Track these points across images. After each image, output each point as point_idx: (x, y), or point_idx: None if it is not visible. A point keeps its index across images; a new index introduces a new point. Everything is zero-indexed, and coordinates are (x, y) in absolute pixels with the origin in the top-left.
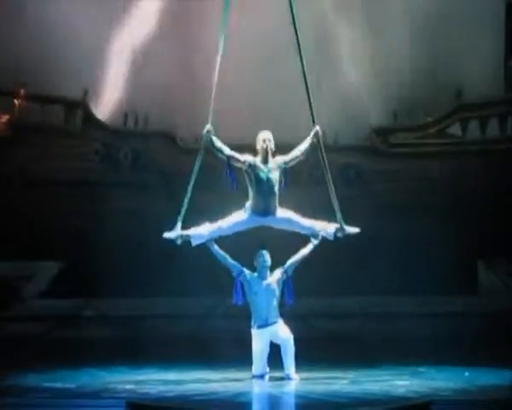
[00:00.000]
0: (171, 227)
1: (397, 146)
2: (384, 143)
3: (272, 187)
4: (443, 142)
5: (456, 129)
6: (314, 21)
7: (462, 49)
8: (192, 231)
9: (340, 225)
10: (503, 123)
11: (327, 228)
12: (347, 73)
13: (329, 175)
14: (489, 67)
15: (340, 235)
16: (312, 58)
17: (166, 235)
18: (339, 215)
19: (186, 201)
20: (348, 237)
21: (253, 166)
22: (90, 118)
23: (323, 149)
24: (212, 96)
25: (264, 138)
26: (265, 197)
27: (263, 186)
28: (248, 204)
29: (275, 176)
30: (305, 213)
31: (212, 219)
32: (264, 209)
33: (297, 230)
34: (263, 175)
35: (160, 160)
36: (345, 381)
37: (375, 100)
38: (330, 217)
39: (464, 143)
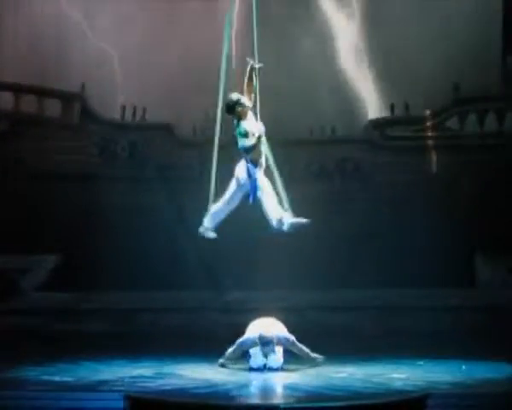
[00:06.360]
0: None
1: (394, 139)
2: (381, 136)
3: None
4: (441, 135)
5: (454, 123)
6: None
7: (460, 43)
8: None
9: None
10: (501, 118)
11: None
12: (344, 66)
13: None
14: (486, 62)
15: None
16: (310, 51)
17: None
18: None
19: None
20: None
21: None
22: (87, 111)
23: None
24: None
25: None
26: None
27: None
28: None
29: None
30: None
31: None
32: None
33: None
34: None
35: (158, 152)
36: (343, 374)
37: (373, 93)
38: (326, 210)
39: (462, 136)
